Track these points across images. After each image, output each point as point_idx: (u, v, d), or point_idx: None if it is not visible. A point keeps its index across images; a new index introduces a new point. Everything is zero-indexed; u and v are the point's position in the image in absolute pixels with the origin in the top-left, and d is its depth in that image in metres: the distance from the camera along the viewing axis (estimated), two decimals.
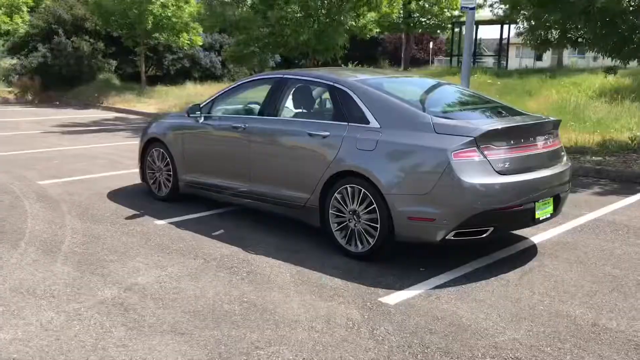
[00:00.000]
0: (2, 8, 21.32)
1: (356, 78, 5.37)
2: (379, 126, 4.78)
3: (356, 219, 4.81)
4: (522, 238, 5.50)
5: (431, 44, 41.09)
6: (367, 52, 33.35)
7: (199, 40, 21.82)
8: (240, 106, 6.29)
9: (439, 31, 31.33)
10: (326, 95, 5.25)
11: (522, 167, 4.58)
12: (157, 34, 20.37)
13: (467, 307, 3.98)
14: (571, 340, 3.52)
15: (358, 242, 4.83)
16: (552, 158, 4.94)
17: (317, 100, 5.58)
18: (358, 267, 4.69)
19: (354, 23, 13.41)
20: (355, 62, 23.39)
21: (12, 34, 21.92)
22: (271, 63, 21.64)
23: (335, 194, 4.93)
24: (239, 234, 5.56)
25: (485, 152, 4.37)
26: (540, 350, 3.41)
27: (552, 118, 5.23)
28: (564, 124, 7.16)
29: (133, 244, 5.23)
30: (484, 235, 4.48)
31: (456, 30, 29.69)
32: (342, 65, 18.02)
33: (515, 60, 38.81)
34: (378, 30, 16.57)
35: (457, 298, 4.13)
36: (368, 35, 15.22)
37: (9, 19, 21.19)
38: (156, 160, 6.78)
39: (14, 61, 23.37)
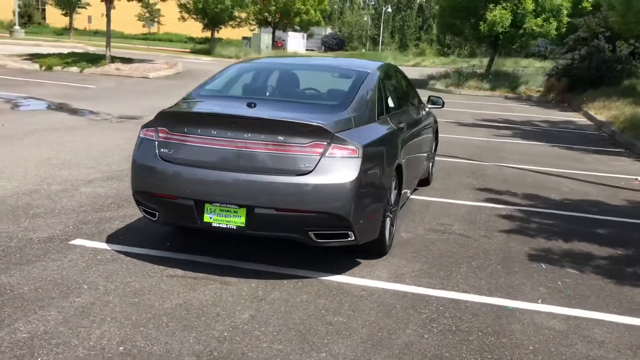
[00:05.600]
0: (544, 13, 22.23)
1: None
2: None
3: None
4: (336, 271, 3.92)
5: None
6: None
7: None
8: None
9: None
10: None
11: (195, 160, 4.04)
12: None
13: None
14: None
15: None
16: (257, 162, 3.90)
17: None
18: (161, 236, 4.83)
19: None
20: None
21: (546, 35, 22.65)
22: None
23: None
24: None
25: (160, 135, 4.19)
26: None
27: (298, 120, 3.92)
28: None
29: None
30: (154, 218, 4.29)
31: None
32: None
33: None
34: None
35: (83, 267, 4.01)
36: None
37: (543, 21, 21.98)
38: None
39: (561, 62, 24.04)
